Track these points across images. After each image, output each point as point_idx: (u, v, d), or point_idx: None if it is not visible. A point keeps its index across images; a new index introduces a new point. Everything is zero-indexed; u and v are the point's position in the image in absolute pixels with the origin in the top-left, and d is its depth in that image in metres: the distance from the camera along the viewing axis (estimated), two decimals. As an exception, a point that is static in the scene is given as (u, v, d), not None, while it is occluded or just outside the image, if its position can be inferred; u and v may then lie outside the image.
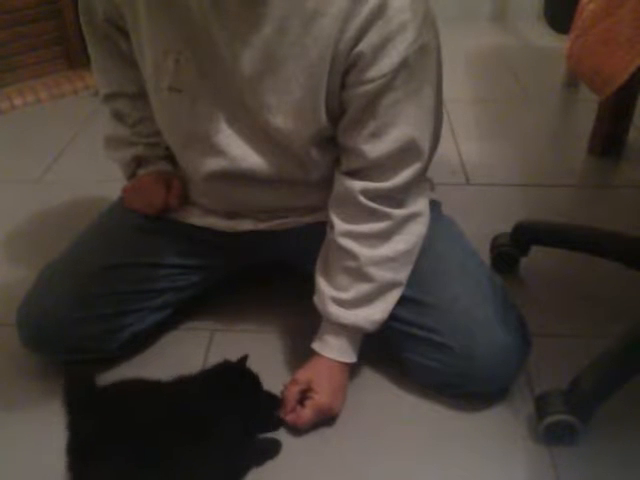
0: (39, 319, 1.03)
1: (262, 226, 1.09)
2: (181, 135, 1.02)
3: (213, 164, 0.99)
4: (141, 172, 1.13)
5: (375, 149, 0.91)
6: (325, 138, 0.95)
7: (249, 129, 0.96)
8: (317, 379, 0.98)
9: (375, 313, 0.98)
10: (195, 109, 0.95)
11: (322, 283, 1.00)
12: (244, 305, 1.23)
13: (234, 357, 0.94)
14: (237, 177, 1.00)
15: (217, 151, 0.97)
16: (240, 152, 0.97)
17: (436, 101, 0.95)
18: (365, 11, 0.83)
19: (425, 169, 0.99)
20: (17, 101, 2.12)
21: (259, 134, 0.95)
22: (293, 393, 0.97)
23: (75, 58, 2.28)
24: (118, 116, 1.12)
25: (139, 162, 1.13)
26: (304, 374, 0.99)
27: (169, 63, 0.93)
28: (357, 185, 0.95)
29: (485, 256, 1.29)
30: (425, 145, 0.94)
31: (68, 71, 2.30)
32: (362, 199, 0.94)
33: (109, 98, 1.11)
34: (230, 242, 1.11)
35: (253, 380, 0.94)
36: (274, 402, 0.97)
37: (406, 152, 0.92)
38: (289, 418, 0.97)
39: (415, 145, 0.92)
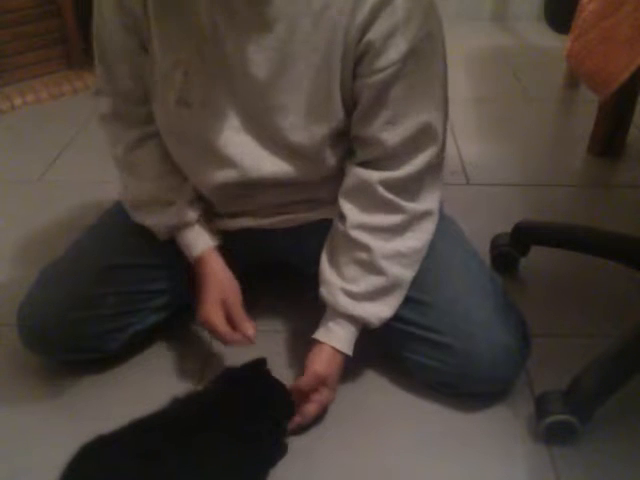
0: (39, 319, 1.03)
1: (264, 222, 1.08)
2: (190, 148, 1.00)
3: (223, 175, 0.98)
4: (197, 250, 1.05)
5: (392, 136, 0.91)
6: (337, 135, 0.95)
7: (260, 138, 0.95)
8: (332, 372, 0.97)
9: (384, 310, 0.98)
10: (204, 121, 0.95)
11: (331, 274, 0.99)
12: (245, 305, 1.22)
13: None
14: (248, 185, 0.99)
15: (228, 163, 0.97)
16: (251, 162, 0.97)
17: (444, 84, 0.95)
18: (371, 0, 0.84)
19: (441, 155, 0.98)
20: (17, 101, 2.12)
21: (270, 142, 0.95)
22: (311, 386, 0.95)
23: (75, 58, 2.28)
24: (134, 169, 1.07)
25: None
26: (321, 367, 0.95)
27: (177, 75, 0.92)
28: (375, 175, 0.94)
29: (485, 256, 1.29)
30: (439, 127, 0.94)
31: (68, 71, 2.30)
32: (380, 189, 0.94)
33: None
34: (230, 243, 1.11)
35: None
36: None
37: (422, 136, 0.93)
38: (295, 418, 0.95)
39: (430, 128, 0.93)
